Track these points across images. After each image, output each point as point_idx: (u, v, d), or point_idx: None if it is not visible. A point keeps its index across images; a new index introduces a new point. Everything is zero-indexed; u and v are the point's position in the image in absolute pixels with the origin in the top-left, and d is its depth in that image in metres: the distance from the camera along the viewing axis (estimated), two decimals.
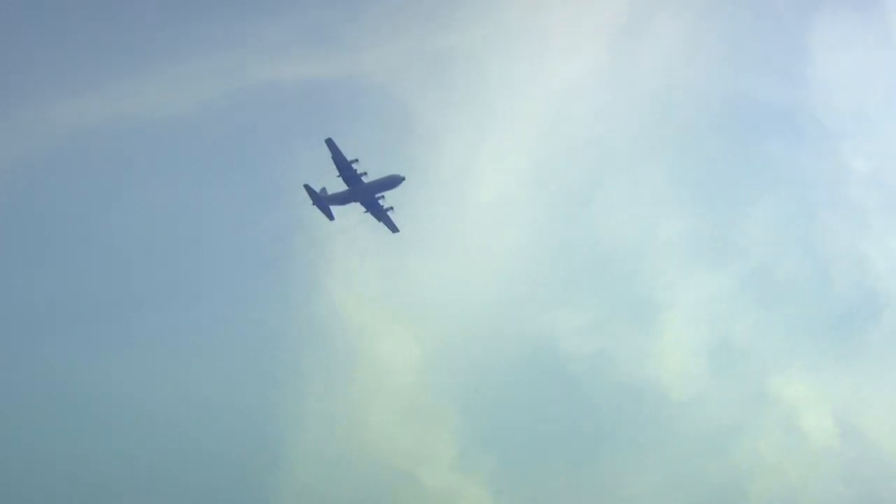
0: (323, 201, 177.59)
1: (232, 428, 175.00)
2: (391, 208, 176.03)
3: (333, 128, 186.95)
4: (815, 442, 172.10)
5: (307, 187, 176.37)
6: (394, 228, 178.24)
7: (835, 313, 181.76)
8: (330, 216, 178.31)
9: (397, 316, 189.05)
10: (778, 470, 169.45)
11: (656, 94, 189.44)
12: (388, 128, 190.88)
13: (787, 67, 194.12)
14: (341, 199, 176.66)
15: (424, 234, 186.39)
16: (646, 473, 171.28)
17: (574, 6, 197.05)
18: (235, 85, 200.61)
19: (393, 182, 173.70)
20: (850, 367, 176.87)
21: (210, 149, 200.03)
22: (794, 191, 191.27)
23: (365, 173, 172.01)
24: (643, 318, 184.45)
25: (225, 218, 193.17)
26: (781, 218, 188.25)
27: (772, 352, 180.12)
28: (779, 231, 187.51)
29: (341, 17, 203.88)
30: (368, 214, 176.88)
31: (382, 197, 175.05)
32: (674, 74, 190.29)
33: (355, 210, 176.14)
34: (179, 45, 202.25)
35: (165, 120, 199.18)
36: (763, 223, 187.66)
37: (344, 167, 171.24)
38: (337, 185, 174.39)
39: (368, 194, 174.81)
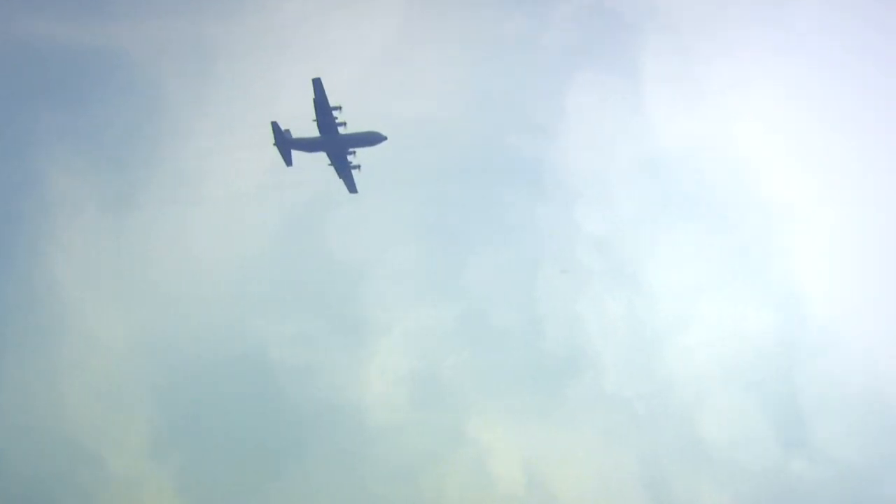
0: (287, 144, 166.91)
1: None
2: (358, 167, 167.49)
3: (77, 97, 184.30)
4: (500, 487, 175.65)
5: (274, 125, 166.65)
6: (352, 188, 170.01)
7: (540, 367, 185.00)
8: (288, 161, 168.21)
9: (115, 297, 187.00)
10: None
11: (410, 125, 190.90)
12: (135, 107, 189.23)
13: (540, 122, 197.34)
14: (309, 145, 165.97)
15: (161, 221, 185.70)
16: (335, 493, 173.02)
17: (346, 23, 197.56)
18: None
19: (372, 139, 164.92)
20: (547, 421, 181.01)
21: None
22: (525, 243, 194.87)
23: (343, 123, 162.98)
24: (355, 340, 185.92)
25: None
26: (507, 267, 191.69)
27: (474, 394, 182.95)
28: (502, 279, 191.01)
29: None
30: (330, 169, 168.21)
31: (353, 153, 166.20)
32: (430, 110, 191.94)
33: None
34: None
35: None
36: (489, 269, 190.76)
37: (324, 112, 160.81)
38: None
39: (341, 146, 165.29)
